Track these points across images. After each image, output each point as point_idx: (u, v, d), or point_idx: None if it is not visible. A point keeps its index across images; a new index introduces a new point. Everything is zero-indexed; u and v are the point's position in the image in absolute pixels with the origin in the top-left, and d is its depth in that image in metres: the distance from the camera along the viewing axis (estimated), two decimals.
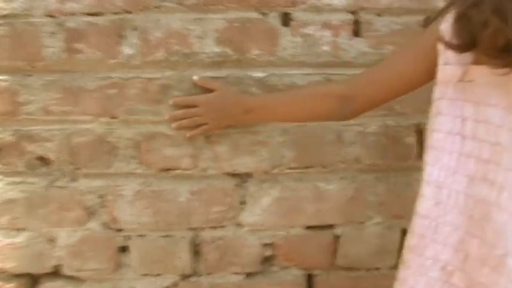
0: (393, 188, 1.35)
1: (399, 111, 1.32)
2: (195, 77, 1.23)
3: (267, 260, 1.36)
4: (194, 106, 1.22)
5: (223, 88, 1.22)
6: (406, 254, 1.04)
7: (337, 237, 1.36)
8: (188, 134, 1.24)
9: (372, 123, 1.32)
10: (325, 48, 1.29)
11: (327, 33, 1.28)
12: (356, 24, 1.30)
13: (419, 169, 1.35)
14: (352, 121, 1.30)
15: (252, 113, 1.19)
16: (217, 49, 1.26)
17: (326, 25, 1.28)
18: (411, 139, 1.34)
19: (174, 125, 1.24)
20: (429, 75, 1.02)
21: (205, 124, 1.23)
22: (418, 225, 1.02)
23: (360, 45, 1.30)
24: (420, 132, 1.34)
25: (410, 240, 1.04)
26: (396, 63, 1.08)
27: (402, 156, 1.34)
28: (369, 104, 1.13)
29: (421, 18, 1.29)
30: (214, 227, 1.33)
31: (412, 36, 1.12)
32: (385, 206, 1.35)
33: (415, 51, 1.05)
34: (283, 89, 1.27)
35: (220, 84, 1.22)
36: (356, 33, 1.30)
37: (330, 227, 1.35)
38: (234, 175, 1.31)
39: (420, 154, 1.31)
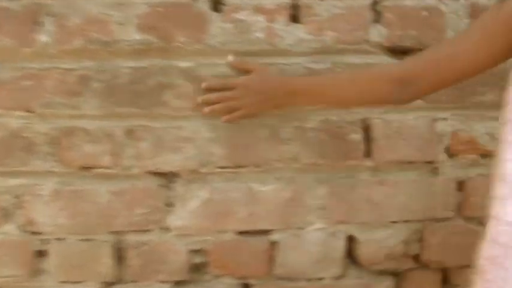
0: (336, 190, 1.22)
1: None
2: (230, 57, 1.14)
3: (198, 268, 1.24)
4: (230, 89, 1.12)
5: (262, 69, 1.12)
6: (485, 265, 0.90)
7: (273, 244, 1.23)
8: (223, 118, 1.14)
9: (311, 117, 1.19)
10: (259, 35, 1.17)
11: (261, 19, 1.17)
12: (294, 9, 1.18)
13: (366, 169, 1.23)
14: (289, 115, 1.18)
15: (295, 97, 1.10)
16: (139, 36, 1.16)
17: (260, 9, 1.17)
18: (356, 136, 1.21)
19: (206, 109, 1.13)
20: (504, 56, 0.95)
21: (241, 109, 1.12)
22: (502, 233, 0.87)
23: (297, 32, 1.18)
24: (367, 128, 1.21)
25: (490, 250, 0.89)
26: (464, 40, 1.00)
27: (346, 154, 1.21)
28: (430, 86, 1.05)
29: (367, 1, 1.17)
30: (138, 231, 1.21)
31: (487, 11, 0.99)
32: (328, 210, 1.23)
33: (489, 27, 0.95)
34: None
35: (258, 65, 1.13)
36: (294, 18, 1.18)
37: (266, 232, 1.23)
38: (158, 174, 1.20)
39: (368, 152, 1.18)
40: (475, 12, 1.20)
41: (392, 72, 1.06)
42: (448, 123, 1.24)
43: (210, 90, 1.13)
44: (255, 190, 1.21)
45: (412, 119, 1.23)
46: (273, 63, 1.17)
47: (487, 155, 1.26)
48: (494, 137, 1.26)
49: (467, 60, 0.99)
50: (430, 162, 1.25)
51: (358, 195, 1.23)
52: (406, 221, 1.25)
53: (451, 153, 1.26)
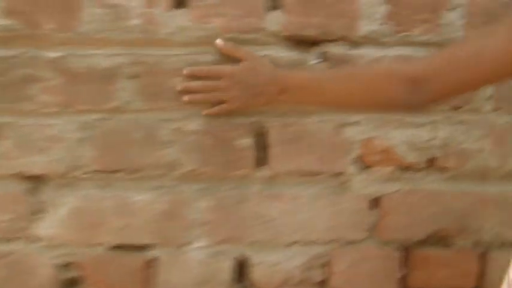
0: (223, 203, 1.06)
1: None
2: (218, 41, 1.00)
3: (69, 284, 1.10)
4: (215, 78, 0.99)
5: (254, 58, 0.99)
6: None
7: (151, 262, 1.08)
8: (205, 111, 1.01)
9: (193, 118, 1.04)
10: (136, 22, 1.02)
11: (139, 3, 1.02)
12: None
13: (258, 180, 1.06)
14: (167, 115, 1.03)
15: (289, 93, 0.96)
16: (4, 22, 1.03)
17: None
18: (246, 141, 1.05)
19: (186, 97, 1.00)
20: None
21: (225, 102, 0.99)
22: None
23: (179, 19, 1.02)
24: (260, 133, 1.04)
25: None
26: (491, 38, 0.85)
27: (234, 163, 1.05)
28: (447, 90, 0.90)
29: None
30: (2, 240, 1.08)
31: None
32: (212, 226, 1.06)
33: None
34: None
35: (250, 53, 0.99)
36: (179, 3, 1.03)
37: (142, 248, 1.07)
38: (24, 178, 1.07)
39: (260, 161, 1.02)
40: None
41: (403, 70, 0.91)
42: (359, 128, 1.06)
43: (192, 77, 1.00)
44: (129, 199, 1.06)
45: (315, 122, 1.05)
46: (150, 55, 1.02)
47: (407, 168, 1.08)
48: (414, 147, 1.07)
49: (493, 61, 0.84)
50: (337, 175, 1.07)
51: (249, 210, 1.06)
52: (308, 243, 1.08)
53: (363, 165, 1.07)
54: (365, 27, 1.04)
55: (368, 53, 1.05)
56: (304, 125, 1.05)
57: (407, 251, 1.10)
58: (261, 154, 1.05)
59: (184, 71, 1.00)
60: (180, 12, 1.02)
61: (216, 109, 1.00)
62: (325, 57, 1.05)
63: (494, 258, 1.13)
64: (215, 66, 0.99)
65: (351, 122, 1.06)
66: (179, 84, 1.00)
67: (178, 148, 1.04)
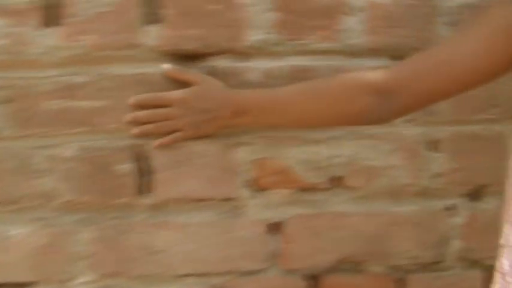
0: (106, 234, 0.97)
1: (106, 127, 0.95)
2: (165, 66, 0.93)
3: None
4: (165, 106, 0.91)
5: (204, 80, 0.92)
6: None
7: None
8: (156, 142, 0.93)
9: (68, 144, 0.95)
10: (2, 42, 0.94)
11: (5, 22, 0.94)
12: (49, 9, 0.95)
13: (143, 208, 0.98)
14: (41, 142, 0.95)
15: (246, 116, 0.89)
16: None
17: (4, 11, 0.94)
18: (126, 167, 0.96)
19: (135, 130, 0.92)
20: (505, 67, 0.81)
21: (179, 130, 0.92)
22: None
23: (50, 38, 0.94)
24: (142, 158, 0.96)
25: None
26: (461, 43, 0.84)
27: (115, 190, 0.96)
28: (418, 100, 0.86)
29: None
30: None
31: (485, 12, 0.83)
32: (96, 259, 0.98)
33: (493, 26, 0.81)
34: None
35: (200, 76, 0.92)
36: (49, 21, 0.95)
37: (22, 285, 0.99)
38: None
39: (144, 187, 0.94)
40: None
41: (370, 81, 0.86)
42: (250, 148, 0.97)
43: (140, 106, 0.93)
44: (4, 234, 0.97)
45: (202, 143, 0.96)
46: (19, 77, 0.94)
47: (309, 189, 0.98)
48: (314, 166, 0.97)
49: (465, 69, 0.82)
50: (228, 200, 0.98)
51: (134, 241, 0.97)
52: (201, 275, 0.98)
53: (257, 188, 0.98)
54: (253, 37, 0.96)
55: (259, 65, 0.97)
56: (190, 146, 0.96)
57: (315, 280, 1.01)
58: (145, 179, 0.96)
59: (131, 100, 0.93)
60: (50, 30, 0.95)
61: (169, 138, 0.93)
62: (213, 72, 0.96)
63: (413, 282, 1.02)
64: (163, 93, 0.92)
65: (241, 142, 0.97)
66: (129, 115, 0.93)
67: (54, 176, 0.96)
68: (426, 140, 1.02)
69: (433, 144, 1.02)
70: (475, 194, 1.05)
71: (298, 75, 0.96)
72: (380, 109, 0.85)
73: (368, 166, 0.99)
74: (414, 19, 0.99)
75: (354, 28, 0.97)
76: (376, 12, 0.98)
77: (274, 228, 0.99)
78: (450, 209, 1.04)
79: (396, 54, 0.99)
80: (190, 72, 0.93)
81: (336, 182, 0.99)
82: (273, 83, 0.95)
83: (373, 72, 0.88)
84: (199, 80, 0.91)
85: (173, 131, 0.92)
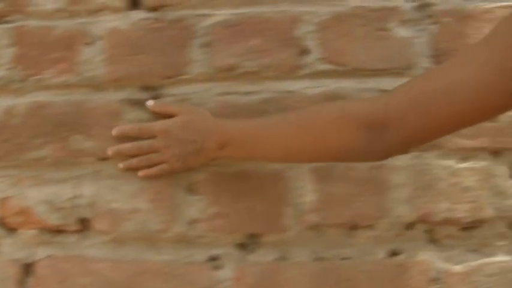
0: None
1: None
2: (149, 102, 0.90)
3: None
4: (148, 137, 0.89)
5: (190, 111, 0.88)
6: None
7: None
8: (140, 173, 0.90)
9: None
10: None
11: None
12: None
13: None
14: None
15: (231, 148, 0.84)
16: None
17: None
18: None
19: (121, 165, 0.90)
20: None
21: (164, 163, 0.88)
22: None
23: None
24: None
25: None
26: (462, 70, 0.68)
27: None
28: (414, 136, 0.73)
29: None
30: None
31: (496, 28, 0.68)
32: None
33: (499, 49, 0.65)
34: None
35: (185, 106, 0.90)
36: None
37: None
38: None
39: None
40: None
41: (359, 113, 0.75)
42: None
43: (123, 137, 0.90)
44: None
45: None
46: None
47: (57, 231, 0.93)
48: (56, 206, 0.92)
49: (469, 99, 0.67)
50: None
51: None
52: None
53: (7, 227, 0.95)
54: None
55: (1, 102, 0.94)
56: None
57: None
58: None
59: (113, 132, 0.89)
60: None
61: (154, 170, 0.89)
62: None
63: None
64: (147, 123, 0.89)
65: None
66: (112, 149, 0.89)
67: None
68: (181, 181, 0.90)
69: (189, 186, 0.90)
70: (246, 244, 0.90)
71: (38, 113, 0.92)
72: (373, 145, 0.74)
73: (111, 209, 0.91)
74: (161, 44, 0.89)
75: (92, 59, 0.91)
76: (116, 39, 0.90)
77: (27, 269, 0.95)
78: (214, 260, 0.90)
79: (145, 84, 0.90)
80: (173, 104, 0.90)
81: (85, 225, 0.92)
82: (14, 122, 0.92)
83: (363, 103, 0.77)
84: (184, 111, 0.87)
85: (159, 163, 0.89)
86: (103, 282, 0.92)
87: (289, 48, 0.89)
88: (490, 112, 0.68)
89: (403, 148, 0.74)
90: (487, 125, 0.90)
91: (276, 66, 0.89)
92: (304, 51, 0.89)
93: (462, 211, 0.90)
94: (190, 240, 0.90)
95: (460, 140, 0.90)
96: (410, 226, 0.91)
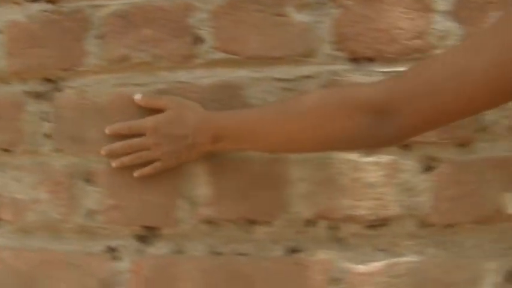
0: None
1: None
2: (137, 96, 0.87)
3: None
4: (139, 134, 0.86)
5: (179, 105, 0.84)
6: None
7: None
8: (135, 173, 0.88)
9: None
10: None
11: None
12: None
13: None
14: None
15: (226, 141, 0.80)
16: None
17: None
18: None
19: (114, 163, 0.88)
20: None
21: (156, 160, 0.86)
22: None
23: None
24: None
25: None
26: (476, 53, 0.64)
27: None
28: (421, 121, 0.68)
29: None
30: None
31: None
32: None
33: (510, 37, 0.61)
34: None
35: (174, 100, 0.85)
36: None
37: None
38: None
39: None
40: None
41: (364, 98, 0.70)
42: None
43: (115, 136, 0.88)
44: None
45: None
46: None
47: None
48: None
49: (481, 84, 0.64)
50: None
51: None
52: None
53: None
54: None
55: None
56: None
57: None
58: None
59: (106, 130, 0.88)
60: None
61: (148, 169, 0.86)
62: None
63: None
64: (136, 120, 0.86)
65: None
66: (104, 148, 0.88)
67: None
68: (79, 172, 0.90)
69: (88, 177, 0.90)
70: (144, 236, 0.89)
71: None
72: (377, 131, 0.70)
73: (15, 199, 0.92)
74: (58, 36, 0.89)
75: None
76: (15, 32, 0.90)
77: None
78: (113, 252, 0.90)
79: (45, 77, 0.90)
80: (162, 98, 0.86)
81: None
82: None
83: (367, 88, 0.71)
84: (172, 105, 0.84)
85: (151, 161, 0.86)
86: (8, 272, 0.94)
87: (182, 37, 0.86)
88: (500, 98, 0.64)
89: (408, 134, 0.69)
90: None
91: (169, 56, 0.86)
92: (198, 40, 0.86)
93: (365, 208, 0.85)
94: (90, 231, 0.90)
95: None
96: (311, 223, 0.86)
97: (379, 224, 0.86)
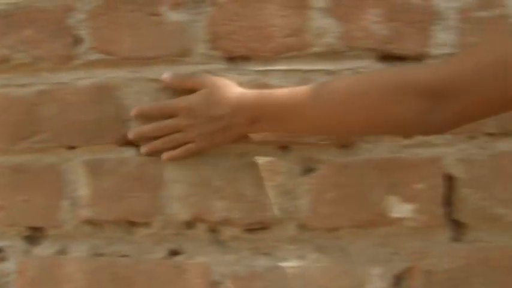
0: None
1: None
2: (165, 75, 0.82)
3: None
4: (171, 116, 0.82)
5: (215, 83, 0.79)
6: None
7: None
8: (164, 155, 0.83)
9: None
10: None
11: None
12: None
13: None
14: None
15: (265, 123, 0.76)
16: None
17: None
18: None
19: (143, 149, 0.83)
20: None
21: (189, 142, 0.81)
22: None
23: None
24: None
25: None
26: None
27: None
28: (480, 105, 0.66)
29: None
30: None
31: None
32: None
33: None
34: None
35: (208, 79, 0.81)
36: None
37: None
38: None
39: None
40: None
41: (421, 80, 0.67)
42: None
43: (143, 117, 0.83)
44: None
45: None
46: None
47: None
48: None
49: None
50: None
51: None
52: None
53: None
54: None
55: None
56: None
57: None
58: None
59: (133, 111, 0.83)
60: None
61: (180, 151, 0.82)
62: None
63: None
64: (168, 100, 0.82)
65: None
66: (132, 131, 0.83)
67: None
68: None
69: None
70: (31, 237, 0.89)
71: None
72: (431, 117, 0.67)
73: None
74: None
75: None
76: None
77: None
78: (0, 252, 0.91)
79: None
80: (194, 77, 0.81)
81: None
82: None
83: (425, 70, 0.69)
84: (206, 83, 0.79)
85: (184, 144, 0.82)
86: None
87: (62, 38, 0.86)
88: None
89: (459, 121, 0.67)
90: None
91: (50, 57, 0.86)
92: (77, 41, 0.85)
93: (242, 211, 0.83)
94: None
95: None
96: (190, 225, 0.85)
97: (259, 227, 0.84)
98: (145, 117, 0.82)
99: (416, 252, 0.83)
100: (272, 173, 0.83)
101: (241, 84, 0.81)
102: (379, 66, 0.82)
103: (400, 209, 0.82)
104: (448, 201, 0.84)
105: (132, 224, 0.86)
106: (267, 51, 0.82)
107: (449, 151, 0.83)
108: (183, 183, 0.84)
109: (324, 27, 0.81)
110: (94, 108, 0.85)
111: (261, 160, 0.83)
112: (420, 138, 0.83)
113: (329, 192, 0.82)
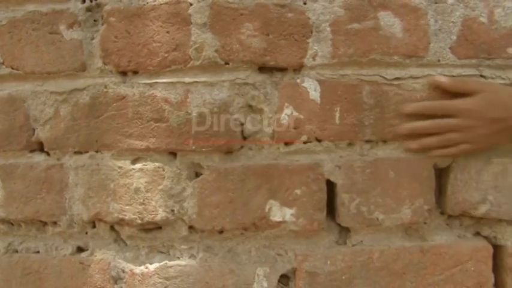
0: None
1: None
2: (441, 78, 0.85)
3: None
4: (448, 116, 0.85)
5: (492, 88, 0.84)
6: None
7: None
8: (439, 151, 0.86)
9: None
10: None
11: None
12: None
13: None
14: None
15: None
16: None
17: None
18: None
19: (413, 145, 0.86)
20: None
21: (465, 143, 0.85)
22: None
23: None
24: None
25: None
26: None
27: None
28: None
29: None
30: None
31: None
32: None
33: None
34: None
35: (485, 83, 0.86)
36: None
37: None
38: None
39: None
40: None
41: None
42: None
43: (417, 115, 0.86)
44: None
45: None
46: None
47: None
48: None
49: None
50: None
51: None
52: None
53: None
54: None
55: None
56: None
57: None
58: None
59: (407, 108, 0.86)
60: None
61: (456, 150, 0.85)
62: None
63: None
64: (448, 101, 0.85)
65: None
66: (405, 126, 0.86)
67: None
68: None
69: None
70: None
71: None
72: None
73: None
74: None
75: None
76: None
77: None
78: None
79: None
80: (471, 81, 0.85)
81: None
82: None
83: None
84: (485, 88, 0.83)
85: (457, 144, 0.85)
86: None
87: None
88: None
89: None
90: (161, 125, 0.87)
91: None
92: None
93: (133, 212, 0.90)
94: None
95: (133, 140, 0.89)
96: (92, 224, 0.92)
97: (153, 227, 0.90)
98: (421, 115, 0.85)
99: (300, 254, 0.88)
100: (160, 177, 0.89)
101: (133, 95, 0.87)
102: (259, 77, 0.86)
103: (281, 213, 0.87)
104: (331, 206, 0.88)
105: (44, 223, 0.94)
106: (152, 65, 0.87)
107: (328, 158, 0.86)
108: (83, 187, 0.91)
109: (203, 41, 0.86)
110: (4, 118, 0.93)
111: (149, 165, 0.89)
112: (300, 145, 0.86)
113: (213, 196, 0.88)
